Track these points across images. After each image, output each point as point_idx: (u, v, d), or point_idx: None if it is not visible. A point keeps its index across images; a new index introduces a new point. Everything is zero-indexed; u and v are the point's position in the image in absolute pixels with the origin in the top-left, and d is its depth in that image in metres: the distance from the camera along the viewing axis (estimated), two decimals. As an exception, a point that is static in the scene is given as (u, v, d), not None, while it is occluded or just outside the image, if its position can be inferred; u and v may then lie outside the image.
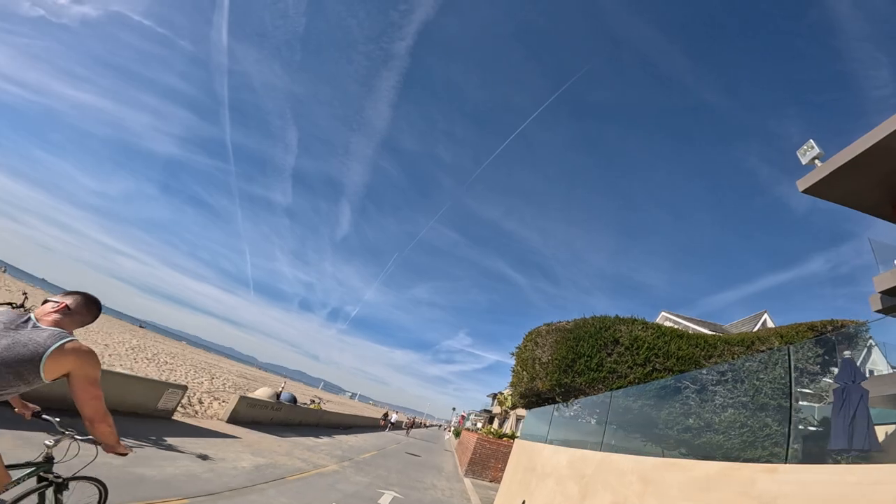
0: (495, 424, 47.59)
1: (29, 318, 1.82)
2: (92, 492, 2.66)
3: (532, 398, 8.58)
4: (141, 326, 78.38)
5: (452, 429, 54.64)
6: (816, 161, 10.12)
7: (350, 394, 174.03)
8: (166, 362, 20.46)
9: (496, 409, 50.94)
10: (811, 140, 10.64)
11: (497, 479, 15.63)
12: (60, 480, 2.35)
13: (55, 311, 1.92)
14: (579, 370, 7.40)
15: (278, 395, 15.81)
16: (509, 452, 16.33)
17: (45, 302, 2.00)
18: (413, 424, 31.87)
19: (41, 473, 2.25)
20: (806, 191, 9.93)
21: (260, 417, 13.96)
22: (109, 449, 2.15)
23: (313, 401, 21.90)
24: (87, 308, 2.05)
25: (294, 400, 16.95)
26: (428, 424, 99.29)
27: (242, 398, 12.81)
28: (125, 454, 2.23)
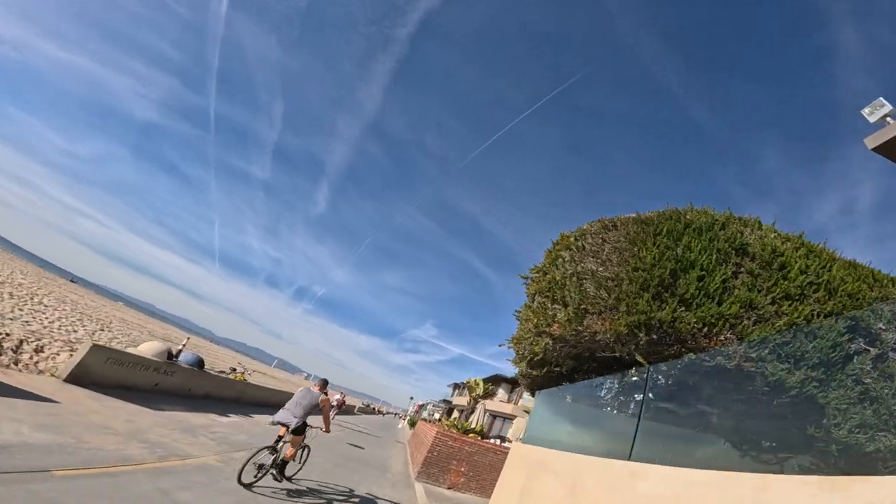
0: (455, 415, 44.22)
1: (310, 390, 6.58)
2: (306, 452, 7.33)
3: (559, 364, 4.55)
4: (72, 281, 70.36)
5: (408, 418, 51.02)
6: (888, 119, 8.14)
7: (306, 374, 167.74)
8: (43, 303, 15.63)
9: (459, 401, 47.46)
10: (881, 98, 8.85)
11: (458, 486, 12.10)
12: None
13: (316, 386, 6.80)
14: (687, 295, 3.66)
15: (173, 355, 11.53)
16: (475, 452, 12.82)
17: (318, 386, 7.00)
18: (341, 406, 22.58)
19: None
20: (876, 149, 8.08)
21: (135, 381, 9.76)
22: (325, 431, 7.19)
23: (234, 369, 17.50)
24: (322, 384, 6.86)
25: (200, 363, 12.71)
26: (385, 412, 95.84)
27: (96, 348, 8.52)
28: (328, 432, 7.40)
